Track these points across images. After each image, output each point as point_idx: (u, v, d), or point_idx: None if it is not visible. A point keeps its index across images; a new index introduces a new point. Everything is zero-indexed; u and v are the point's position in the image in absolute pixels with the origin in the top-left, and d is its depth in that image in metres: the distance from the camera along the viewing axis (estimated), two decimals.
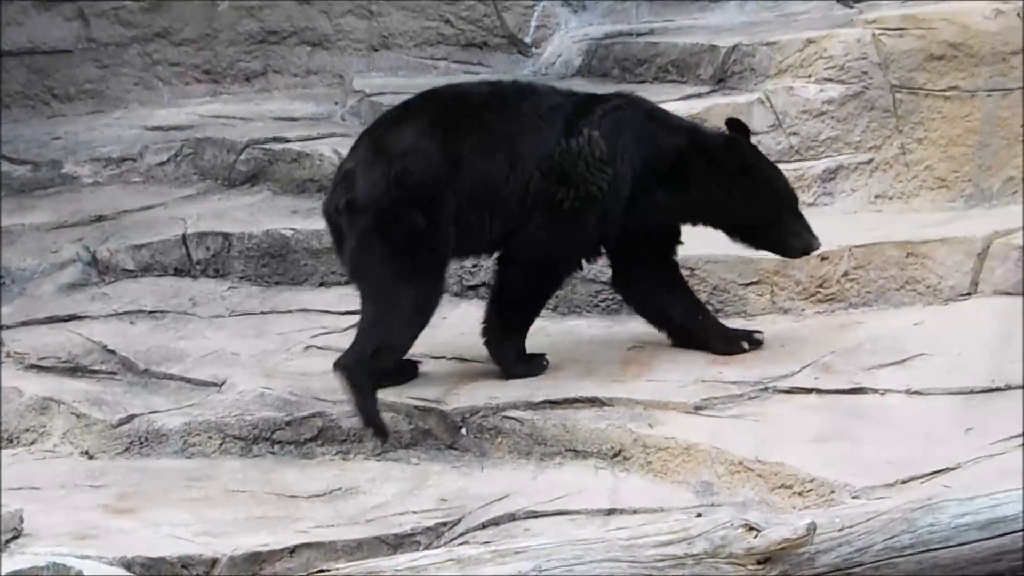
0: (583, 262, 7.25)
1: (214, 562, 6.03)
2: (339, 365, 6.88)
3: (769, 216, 7.16)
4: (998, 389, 6.80)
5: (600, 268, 7.71)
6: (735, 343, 7.24)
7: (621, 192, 7.05)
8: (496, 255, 7.23)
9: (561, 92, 7.35)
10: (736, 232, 7.25)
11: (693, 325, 7.29)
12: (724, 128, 7.21)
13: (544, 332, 7.50)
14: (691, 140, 7.19)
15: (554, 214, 7.03)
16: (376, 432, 6.87)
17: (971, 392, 6.80)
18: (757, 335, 7.25)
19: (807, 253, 7.24)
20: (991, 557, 5.38)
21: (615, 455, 6.71)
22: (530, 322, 7.24)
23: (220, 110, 9.60)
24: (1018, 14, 8.09)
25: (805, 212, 7.35)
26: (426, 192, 6.94)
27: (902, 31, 8.20)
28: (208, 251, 8.32)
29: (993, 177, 8.06)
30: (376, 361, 6.92)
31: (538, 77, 9.56)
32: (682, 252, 7.56)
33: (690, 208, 7.20)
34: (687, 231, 7.31)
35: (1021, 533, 5.36)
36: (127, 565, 5.84)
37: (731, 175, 7.11)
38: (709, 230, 7.26)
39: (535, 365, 7.18)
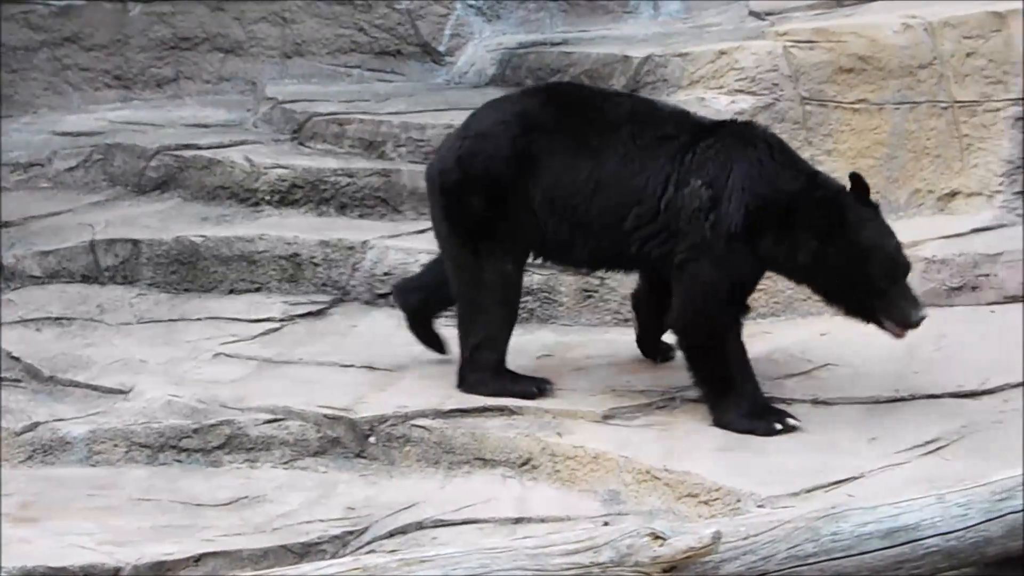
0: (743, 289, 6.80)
1: (117, 571, 5.99)
2: (463, 385, 6.93)
3: (871, 287, 6.60)
4: (902, 399, 6.88)
5: None
6: None
7: (732, 232, 6.61)
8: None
9: (679, 120, 6.89)
10: (832, 298, 6.75)
11: None
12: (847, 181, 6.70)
13: (455, 341, 7.49)
14: (805, 186, 6.66)
15: (679, 269, 6.71)
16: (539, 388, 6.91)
17: (875, 402, 6.87)
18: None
19: (905, 329, 6.64)
20: (893, 565, 5.43)
21: (523, 464, 6.71)
22: (739, 375, 6.76)
23: (131, 116, 9.54)
24: (925, 28, 8.17)
25: None
26: (489, 179, 6.81)
27: (812, 44, 8.25)
28: (117, 258, 8.25)
29: (900, 189, 8.13)
30: (481, 359, 6.92)
31: (451, 86, 9.57)
32: None
33: (788, 263, 6.68)
34: None
35: (922, 542, 5.42)
36: (28, 575, 5.78)
37: (831, 232, 6.57)
38: None
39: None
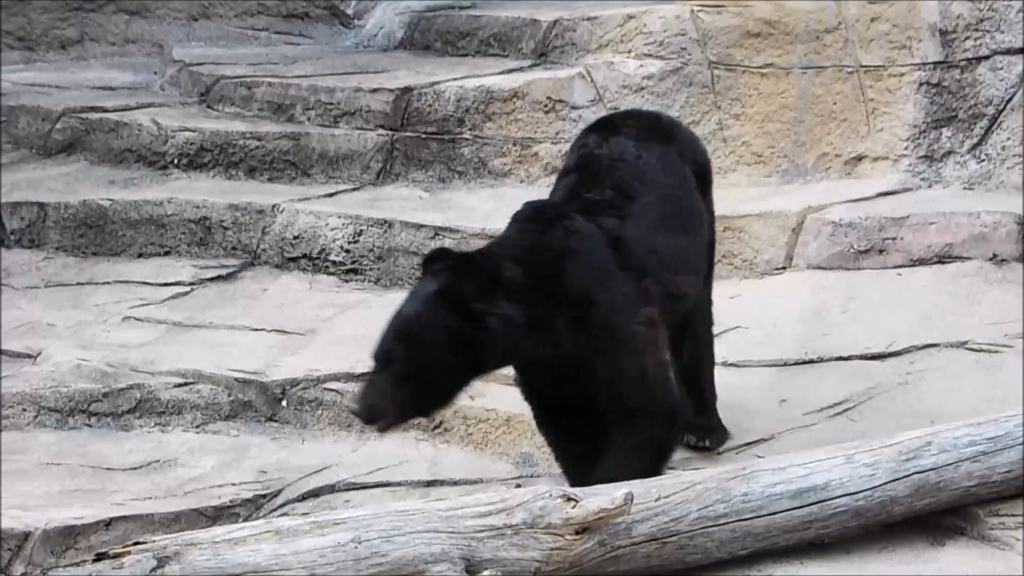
0: None
1: (27, 535, 5.95)
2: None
3: None
4: (811, 361, 6.94)
5: (423, 240, 7.74)
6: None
7: None
8: None
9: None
10: None
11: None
12: None
13: (367, 304, 7.49)
14: None
15: None
16: None
17: (785, 364, 6.93)
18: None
19: None
20: (802, 525, 5.49)
21: (436, 427, 6.72)
22: None
23: (34, 78, 9.43)
24: None
25: None
26: None
27: (720, 8, 8.29)
28: (23, 221, 8.17)
29: (808, 153, 8.19)
30: None
31: (360, 49, 9.53)
32: (502, 224, 7.55)
33: None
34: None
35: (831, 502, 5.49)
36: None
37: None
38: None
39: None
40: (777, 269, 7.65)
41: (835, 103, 8.21)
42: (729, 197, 7.97)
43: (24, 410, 6.93)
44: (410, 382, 5.43)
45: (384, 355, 5.48)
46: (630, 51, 8.43)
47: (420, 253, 7.71)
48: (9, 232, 8.15)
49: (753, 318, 7.23)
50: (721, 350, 6.97)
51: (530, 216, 5.80)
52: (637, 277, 5.71)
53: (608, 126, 6.17)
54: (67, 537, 6.00)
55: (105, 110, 8.83)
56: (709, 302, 6.38)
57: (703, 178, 6.24)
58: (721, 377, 6.75)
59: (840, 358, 6.92)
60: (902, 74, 8.15)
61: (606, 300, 5.61)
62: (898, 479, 5.54)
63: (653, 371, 5.68)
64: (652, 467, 5.65)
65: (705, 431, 6.33)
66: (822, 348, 6.99)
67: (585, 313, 5.58)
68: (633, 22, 8.41)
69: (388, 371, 5.44)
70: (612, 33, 8.47)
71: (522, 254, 5.61)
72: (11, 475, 6.48)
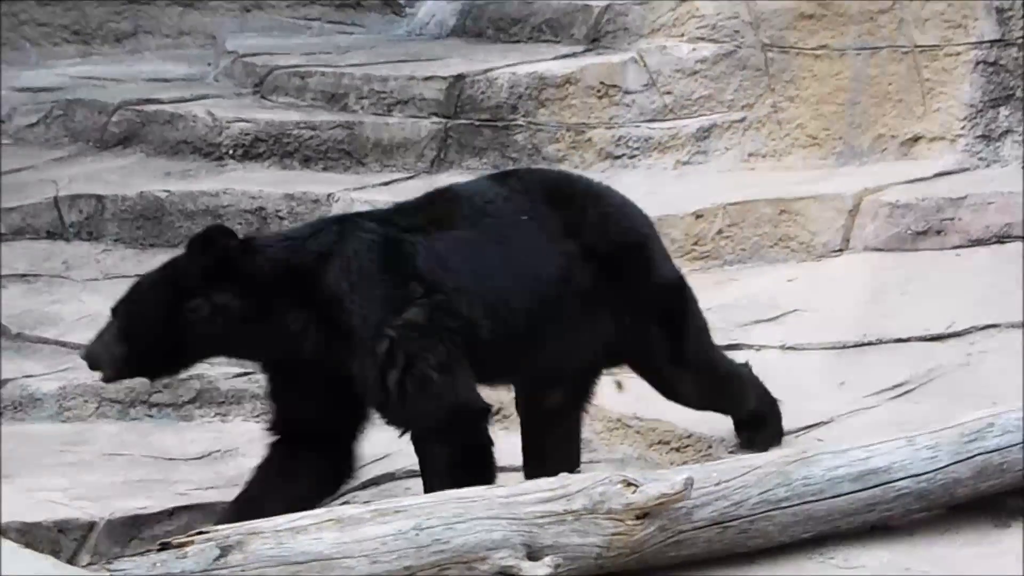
0: None
1: (91, 526, 5.99)
2: None
3: None
4: (869, 343, 6.91)
5: None
6: None
7: None
8: None
9: None
10: None
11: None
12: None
13: None
14: None
15: None
16: None
17: (843, 347, 6.90)
18: None
19: None
20: (864, 508, 5.48)
21: (495, 413, 6.71)
22: None
23: (90, 71, 9.47)
24: None
25: (680, 170, 7.39)
26: None
27: None
28: (81, 214, 8.22)
29: (863, 135, 8.15)
30: None
31: (412, 37, 9.54)
32: None
33: None
34: None
35: (893, 484, 5.47)
36: (2, 531, 5.76)
37: None
38: None
39: None
40: (834, 252, 7.62)
41: (890, 84, 8.16)
42: (784, 180, 7.97)
43: (86, 402, 6.98)
44: (129, 341, 5.53)
45: (114, 309, 5.65)
46: (683, 35, 8.41)
47: None
48: (68, 225, 8.20)
49: (811, 301, 7.21)
50: (779, 334, 6.97)
51: (333, 218, 5.83)
52: (402, 280, 5.45)
53: (505, 177, 5.98)
54: (131, 527, 6.04)
55: (160, 102, 8.86)
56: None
57: (612, 260, 5.76)
58: (780, 360, 6.74)
59: (899, 340, 6.89)
60: (958, 53, 8.09)
61: (355, 301, 5.41)
62: (961, 461, 5.52)
63: (420, 378, 5.41)
64: (464, 480, 5.35)
65: None
66: (881, 330, 6.96)
67: (332, 314, 5.43)
68: (686, 5, 8.39)
69: (114, 325, 5.59)
70: (665, 17, 8.45)
71: (289, 248, 5.54)
72: (75, 466, 6.52)
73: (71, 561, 5.86)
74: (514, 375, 5.85)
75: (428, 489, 5.48)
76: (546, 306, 5.64)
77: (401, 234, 5.54)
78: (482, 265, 5.57)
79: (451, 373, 5.46)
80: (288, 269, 5.48)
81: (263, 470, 5.73)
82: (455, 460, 5.52)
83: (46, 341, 7.31)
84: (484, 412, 5.56)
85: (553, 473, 5.36)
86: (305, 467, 5.72)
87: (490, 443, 5.56)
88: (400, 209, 5.81)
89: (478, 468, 5.52)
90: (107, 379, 5.71)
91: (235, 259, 5.50)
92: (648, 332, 5.84)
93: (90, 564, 5.86)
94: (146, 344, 5.55)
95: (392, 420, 5.57)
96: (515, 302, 5.60)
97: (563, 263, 5.66)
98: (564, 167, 8.24)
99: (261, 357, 5.70)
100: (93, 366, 5.65)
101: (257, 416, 6.91)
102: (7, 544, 5.38)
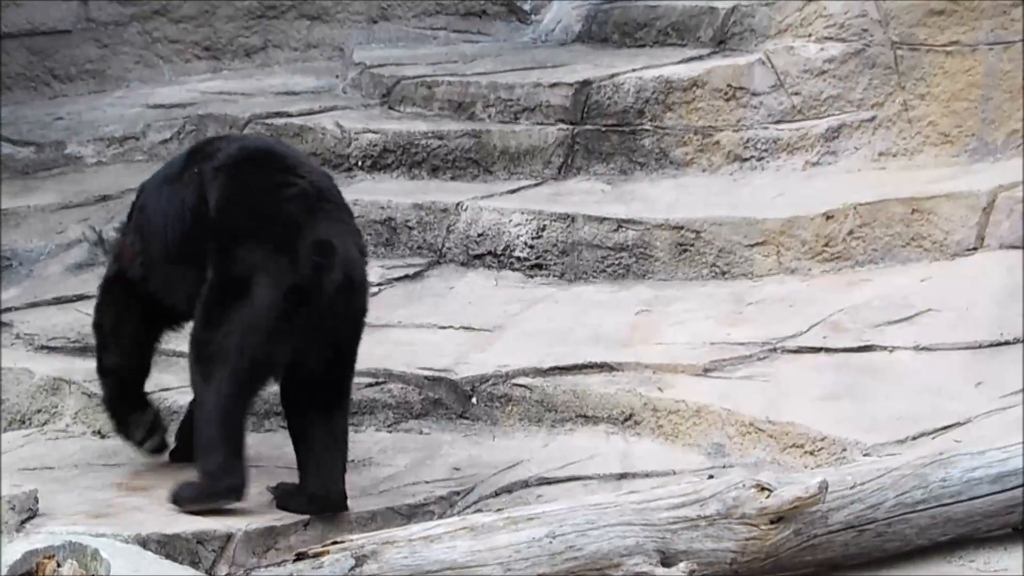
0: None
1: (229, 537, 6.03)
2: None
3: None
4: (1006, 343, 6.81)
5: (606, 233, 7.74)
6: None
7: None
8: None
9: None
10: None
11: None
12: None
13: (552, 299, 7.51)
14: None
15: None
16: None
17: (979, 346, 6.81)
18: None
19: None
20: (1004, 510, 5.40)
21: (626, 419, 6.72)
22: None
23: (221, 86, 9.58)
24: None
25: (809, 171, 7.32)
26: None
27: None
28: None
29: (996, 131, 8.04)
30: None
31: (538, 44, 9.55)
32: (684, 214, 7.61)
33: None
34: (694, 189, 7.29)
35: None
36: (142, 542, 5.84)
37: None
38: (707, 193, 7.19)
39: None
40: (968, 250, 7.52)
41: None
42: (916, 179, 7.89)
43: None
44: None
45: None
46: (810, 35, 8.35)
47: (604, 246, 7.73)
48: None
49: (945, 300, 7.12)
50: (913, 334, 6.89)
51: None
52: None
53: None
54: (267, 538, 6.09)
55: (290, 115, 8.94)
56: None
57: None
58: (914, 361, 6.67)
59: None
60: None
61: None
62: None
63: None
64: None
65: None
66: (1017, 329, 6.85)
67: None
68: (813, 5, 8.33)
69: None
70: (791, 17, 8.40)
71: None
72: None
73: (210, 572, 5.93)
74: None
75: None
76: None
77: None
78: None
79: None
80: None
81: None
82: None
83: (180, 354, 7.37)
84: None
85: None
86: None
87: None
88: None
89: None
90: None
91: None
92: None
93: (228, 575, 5.92)
94: None
95: None
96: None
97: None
98: (691, 170, 8.21)
99: None
100: None
101: (389, 426, 6.96)
102: (149, 555, 5.48)
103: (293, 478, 6.36)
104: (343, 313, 6.08)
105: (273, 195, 6.09)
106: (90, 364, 6.88)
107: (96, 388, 7.09)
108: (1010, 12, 8.05)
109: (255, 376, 6.06)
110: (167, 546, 5.93)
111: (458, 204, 8.06)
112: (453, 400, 6.98)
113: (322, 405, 6.14)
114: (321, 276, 5.96)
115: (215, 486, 6.10)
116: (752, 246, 7.64)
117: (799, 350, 6.86)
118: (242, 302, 5.96)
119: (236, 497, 6.09)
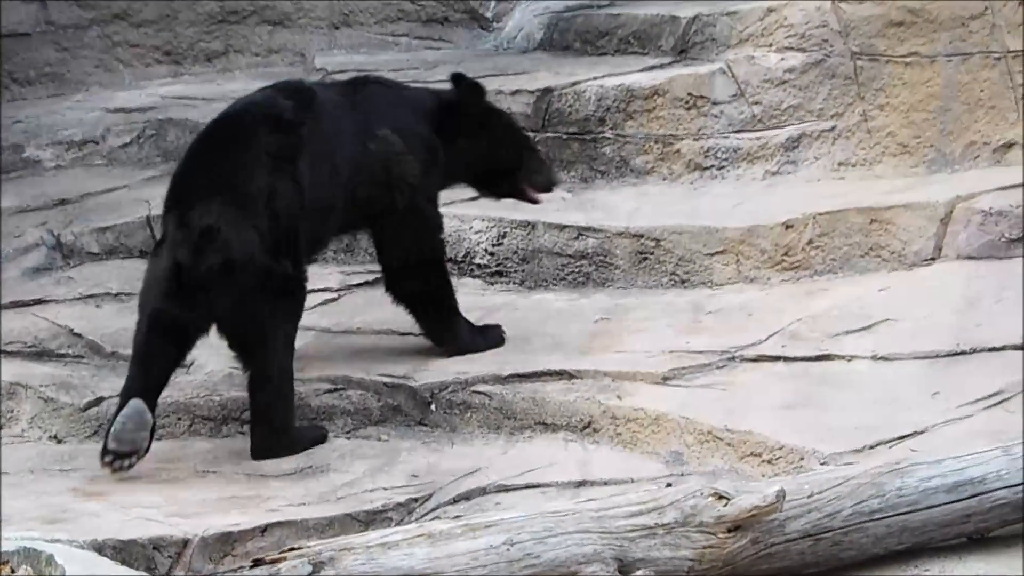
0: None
1: (185, 543, 6.03)
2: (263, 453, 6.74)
3: (514, 157, 7.36)
4: (963, 353, 6.83)
5: (566, 241, 7.75)
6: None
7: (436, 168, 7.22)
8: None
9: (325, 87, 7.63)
10: (484, 182, 7.44)
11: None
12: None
13: (512, 306, 7.51)
14: (438, 100, 7.39)
15: (401, 217, 7.10)
16: None
17: (936, 356, 6.83)
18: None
19: (551, 190, 7.48)
20: (959, 519, 5.42)
21: (584, 427, 6.72)
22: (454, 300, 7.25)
23: (182, 91, 9.55)
24: None
25: (769, 180, 7.33)
26: (291, 235, 6.77)
27: None
28: None
29: (955, 142, 8.08)
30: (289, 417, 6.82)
31: (500, 52, 9.55)
32: (645, 223, 7.61)
33: (455, 164, 7.28)
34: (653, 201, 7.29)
35: (989, 495, 5.41)
36: (98, 548, 5.83)
37: (480, 122, 7.36)
38: (667, 202, 7.20)
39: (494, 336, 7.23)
40: (926, 260, 7.55)
41: (982, 90, 8.08)
42: (875, 188, 7.91)
43: (179, 419, 7.04)
44: None
45: None
46: (771, 45, 8.37)
47: (564, 254, 7.74)
48: None
49: (903, 310, 7.14)
50: (871, 343, 6.91)
51: None
52: None
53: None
54: (224, 543, 6.08)
55: None
56: None
57: None
58: (872, 370, 6.69)
59: (993, 349, 6.79)
60: None
61: None
62: None
63: None
64: None
65: None
66: (975, 339, 6.88)
67: None
68: (774, 15, 8.35)
69: None
70: (753, 27, 8.42)
71: None
72: (169, 483, 6.57)
73: None
74: None
75: None
76: None
77: None
78: None
79: None
80: None
81: None
82: None
83: None
84: None
85: None
86: None
87: None
88: None
89: None
90: None
91: None
92: None
93: None
94: None
95: None
96: None
97: None
98: (652, 179, 8.23)
99: None
100: None
101: (348, 432, 6.95)
102: (104, 561, 5.46)
103: (253, 484, 6.37)
104: None
105: None
106: (47, 369, 6.87)
107: (52, 392, 7.08)
108: (968, 24, 8.09)
109: None
110: (123, 552, 5.92)
111: None
112: (412, 407, 6.97)
113: None
114: None
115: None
116: (712, 255, 7.65)
117: (758, 359, 6.88)
118: None
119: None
